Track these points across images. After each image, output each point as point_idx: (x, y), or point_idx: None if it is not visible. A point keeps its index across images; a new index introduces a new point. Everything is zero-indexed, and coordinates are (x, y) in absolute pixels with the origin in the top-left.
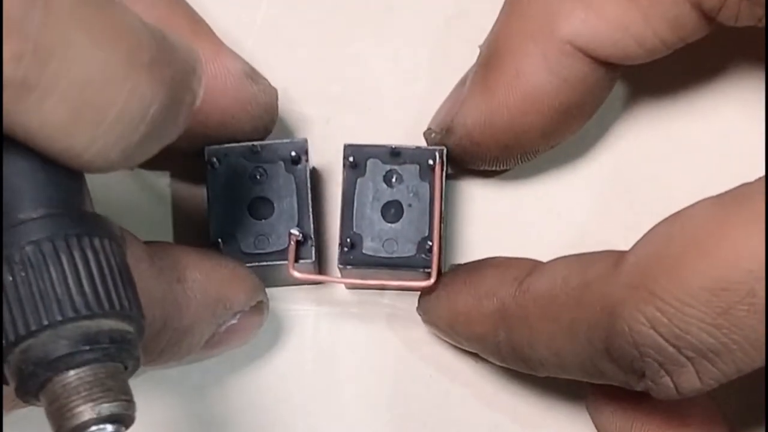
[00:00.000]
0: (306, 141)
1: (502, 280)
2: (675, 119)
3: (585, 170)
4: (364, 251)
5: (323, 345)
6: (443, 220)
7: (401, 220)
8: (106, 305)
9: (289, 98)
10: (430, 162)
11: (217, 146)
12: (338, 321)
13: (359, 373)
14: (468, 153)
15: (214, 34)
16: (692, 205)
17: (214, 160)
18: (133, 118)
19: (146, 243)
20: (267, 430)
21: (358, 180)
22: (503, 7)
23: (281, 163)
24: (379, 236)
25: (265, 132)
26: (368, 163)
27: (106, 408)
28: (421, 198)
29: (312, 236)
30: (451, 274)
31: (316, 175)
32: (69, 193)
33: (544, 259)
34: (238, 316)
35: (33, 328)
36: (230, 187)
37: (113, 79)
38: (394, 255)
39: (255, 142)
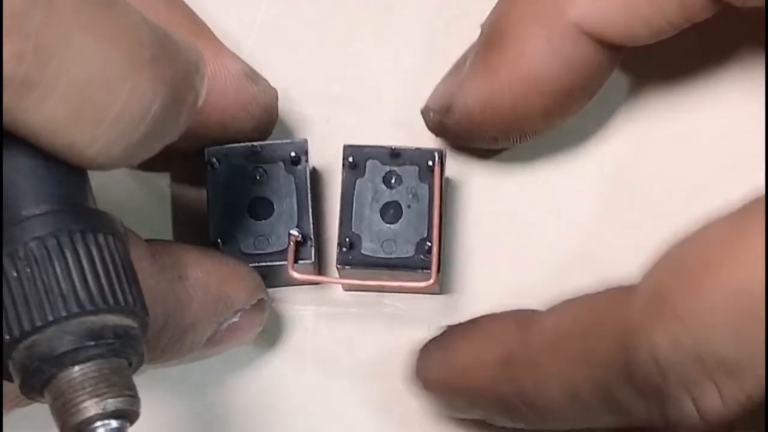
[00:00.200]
0: (306, 141)
1: (504, 327)
2: (677, 115)
3: (586, 171)
4: (362, 252)
5: (323, 345)
6: (442, 221)
7: (400, 221)
8: (111, 301)
9: (289, 98)
10: (430, 163)
11: (216, 147)
12: (338, 321)
13: (359, 373)
14: (467, 132)
15: (213, 34)
16: (704, 226)
17: (214, 160)
18: (135, 117)
19: (147, 241)
20: (267, 430)
21: (358, 181)
22: None
23: (281, 163)
24: (377, 237)
25: (265, 132)
26: (368, 163)
27: (111, 403)
28: (420, 199)
29: (312, 237)
30: (445, 332)
31: (315, 176)
32: (72, 189)
33: (545, 260)
34: (239, 314)
35: (38, 323)
36: (230, 187)
37: (114, 77)
38: (393, 256)
39: (255, 143)
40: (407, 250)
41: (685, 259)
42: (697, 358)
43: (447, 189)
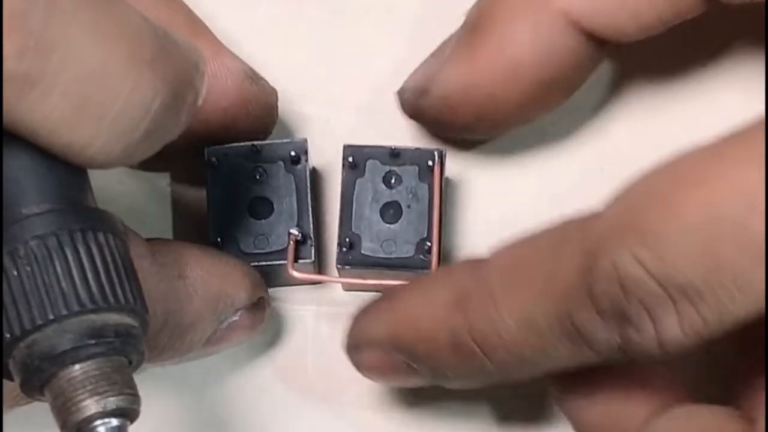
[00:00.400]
0: (306, 141)
1: (457, 270)
2: (679, 114)
3: (586, 170)
4: (362, 252)
5: (323, 345)
6: (442, 221)
7: (400, 221)
8: (111, 299)
9: (289, 98)
10: (429, 163)
11: (216, 146)
12: (338, 321)
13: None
14: (441, 116)
15: (213, 34)
16: (678, 155)
17: (214, 159)
18: (135, 115)
19: (147, 240)
20: (267, 429)
21: (357, 180)
22: None
23: (281, 163)
24: (377, 237)
25: (265, 132)
26: (367, 163)
27: (112, 402)
28: (420, 199)
29: (312, 236)
30: (391, 288)
31: (315, 175)
32: (72, 188)
33: None
34: (239, 313)
35: (39, 322)
36: (230, 186)
37: (115, 75)
38: (393, 255)
39: (255, 142)
40: (407, 250)
41: (658, 182)
42: (661, 279)
43: (447, 189)
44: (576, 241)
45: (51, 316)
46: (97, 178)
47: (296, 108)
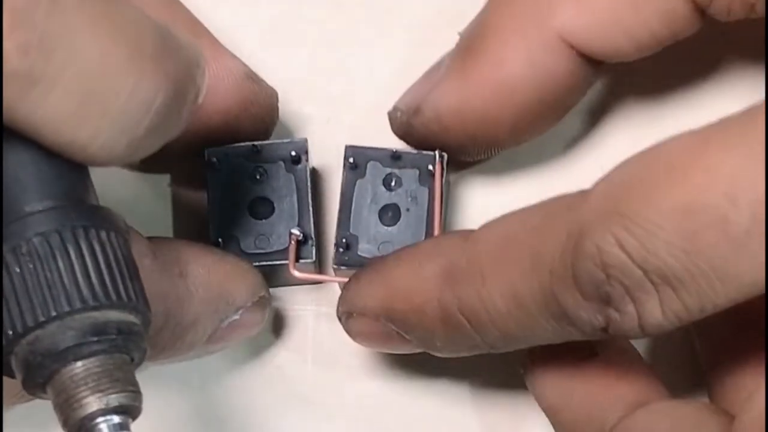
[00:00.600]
0: (306, 141)
1: (446, 242)
2: (677, 118)
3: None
4: (359, 253)
5: (323, 345)
6: (444, 224)
7: (398, 223)
8: (114, 297)
9: (289, 98)
10: (430, 167)
11: (217, 146)
12: (338, 321)
13: (359, 373)
14: (433, 136)
15: (213, 36)
16: (667, 140)
17: (214, 160)
18: (137, 111)
19: (148, 238)
20: (267, 429)
21: (358, 182)
22: None
23: (281, 163)
24: (375, 239)
25: (266, 133)
26: (368, 165)
27: (114, 399)
28: (419, 203)
29: (312, 236)
30: (380, 257)
31: (316, 175)
32: (74, 185)
33: None
34: (240, 312)
35: (41, 319)
36: (230, 187)
37: (118, 71)
38: None
39: (255, 142)
40: None
41: (644, 166)
42: (642, 264)
43: (447, 191)
44: (562, 221)
45: (53, 313)
46: (98, 178)
47: (296, 108)
